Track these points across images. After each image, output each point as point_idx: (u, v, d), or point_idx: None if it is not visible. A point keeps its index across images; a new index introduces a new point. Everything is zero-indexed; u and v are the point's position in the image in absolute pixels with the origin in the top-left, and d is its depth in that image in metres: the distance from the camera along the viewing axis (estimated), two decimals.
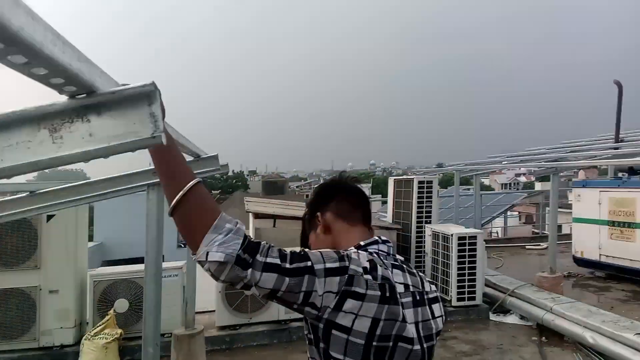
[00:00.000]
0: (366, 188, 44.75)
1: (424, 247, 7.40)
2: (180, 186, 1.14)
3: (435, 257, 7.01)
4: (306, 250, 1.28)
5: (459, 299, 6.56)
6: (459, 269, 6.52)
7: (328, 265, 1.22)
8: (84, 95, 0.82)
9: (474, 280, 6.57)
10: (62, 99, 0.82)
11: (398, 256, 1.48)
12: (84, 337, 5.50)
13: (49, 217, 5.65)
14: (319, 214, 1.53)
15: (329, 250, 1.31)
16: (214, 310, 6.09)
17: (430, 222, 7.52)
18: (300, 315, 1.29)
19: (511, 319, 6.63)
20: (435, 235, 7.03)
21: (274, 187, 30.24)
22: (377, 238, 1.47)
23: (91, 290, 5.81)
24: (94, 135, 0.81)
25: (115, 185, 2.85)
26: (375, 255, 1.37)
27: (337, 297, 1.21)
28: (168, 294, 5.30)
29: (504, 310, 6.81)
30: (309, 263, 1.20)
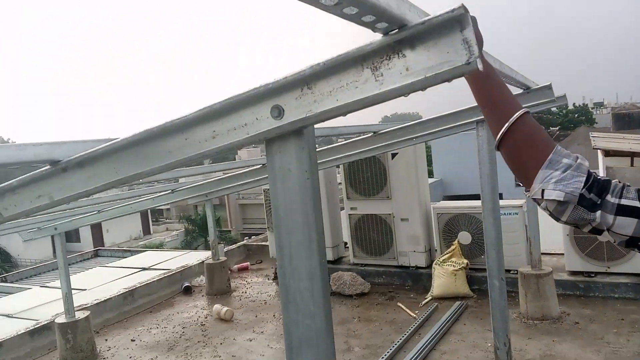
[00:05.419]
0: None
1: None
2: (504, 117, 1.05)
3: None
4: None
5: None
6: None
7: None
8: (396, 30, 0.82)
9: None
10: (377, 37, 0.84)
11: None
12: (434, 262, 6.16)
13: (393, 155, 6.43)
14: None
15: None
16: (561, 254, 5.84)
17: None
18: None
19: None
20: None
21: (629, 120, 25.90)
22: None
23: (435, 221, 6.42)
24: (410, 69, 0.81)
25: (444, 124, 2.93)
26: None
27: None
28: (509, 232, 5.38)
29: None
30: None
